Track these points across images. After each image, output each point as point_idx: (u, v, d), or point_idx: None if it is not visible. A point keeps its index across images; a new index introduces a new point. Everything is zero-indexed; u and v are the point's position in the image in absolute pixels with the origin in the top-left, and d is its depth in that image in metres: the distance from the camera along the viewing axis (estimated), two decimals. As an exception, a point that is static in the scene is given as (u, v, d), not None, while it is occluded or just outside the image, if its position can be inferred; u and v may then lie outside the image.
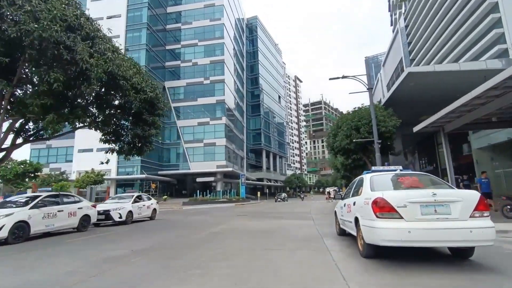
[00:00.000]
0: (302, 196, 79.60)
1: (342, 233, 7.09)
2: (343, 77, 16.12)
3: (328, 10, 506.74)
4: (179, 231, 9.99)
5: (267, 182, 68.95)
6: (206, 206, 33.70)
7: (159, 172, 44.81)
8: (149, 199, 15.33)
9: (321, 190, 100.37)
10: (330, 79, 16.19)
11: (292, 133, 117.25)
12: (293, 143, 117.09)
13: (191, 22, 51.26)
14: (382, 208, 4.33)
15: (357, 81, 15.85)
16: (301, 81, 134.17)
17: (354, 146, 17.04)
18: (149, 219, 14.99)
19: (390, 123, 16.32)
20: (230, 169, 44.40)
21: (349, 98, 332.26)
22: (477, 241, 4.11)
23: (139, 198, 14.42)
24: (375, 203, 4.42)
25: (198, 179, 45.17)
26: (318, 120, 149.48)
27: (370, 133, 16.30)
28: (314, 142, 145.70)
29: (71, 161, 42.08)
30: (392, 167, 6.43)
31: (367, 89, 16.08)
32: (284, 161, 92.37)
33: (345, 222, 6.35)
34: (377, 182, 5.17)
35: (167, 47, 50.92)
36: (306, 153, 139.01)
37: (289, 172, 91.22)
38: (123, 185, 41.10)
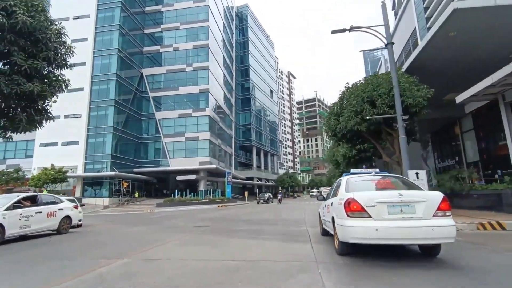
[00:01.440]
0: (295, 196, 75.32)
1: (325, 233, 7.05)
2: (351, 29, 11.51)
3: (324, 6, 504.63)
4: None
5: (257, 181, 64.25)
6: (183, 208, 28.86)
7: (135, 170, 39.70)
8: (56, 202, 10.34)
9: (318, 190, 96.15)
10: (333, 31, 11.55)
11: (285, 130, 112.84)
12: (286, 141, 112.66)
13: (173, 3, 46.23)
14: (353, 208, 4.52)
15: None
16: (294, 77, 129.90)
17: (367, 127, 12.37)
18: (54, 233, 10.06)
19: (419, 92, 11.70)
20: (214, 166, 39.55)
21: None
22: (439, 239, 4.32)
23: (30, 201, 9.36)
24: (346, 203, 4.62)
25: (178, 177, 40.20)
26: (311, 118, 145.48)
27: (391, 107, 11.69)
28: (307, 140, 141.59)
29: (31, 156, 36.69)
30: (369, 170, 6.54)
31: (386, 45, 11.48)
32: (277, 160, 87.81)
33: (326, 222, 6.38)
34: (352, 184, 5.41)
35: (146, 31, 45.81)
36: (300, 152, 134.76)
37: (281, 171, 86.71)
38: (91, 183, 35.90)
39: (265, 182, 69.00)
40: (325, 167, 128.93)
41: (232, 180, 50.67)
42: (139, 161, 41.41)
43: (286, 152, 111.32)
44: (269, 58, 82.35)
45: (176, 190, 35.61)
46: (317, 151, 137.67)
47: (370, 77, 13.36)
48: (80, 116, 35.82)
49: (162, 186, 46.73)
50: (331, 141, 38.05)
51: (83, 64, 37.19)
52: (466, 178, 14.38)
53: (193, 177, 39.19)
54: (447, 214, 4.40)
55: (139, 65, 43.61)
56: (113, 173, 33.67)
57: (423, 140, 21.34)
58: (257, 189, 64.08)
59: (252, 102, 65.35)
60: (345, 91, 14.13)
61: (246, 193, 40.74)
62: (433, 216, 4.35)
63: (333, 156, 25.96)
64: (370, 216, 4.43)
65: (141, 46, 44.76)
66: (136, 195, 34.40)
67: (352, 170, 6.62)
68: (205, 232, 8.85)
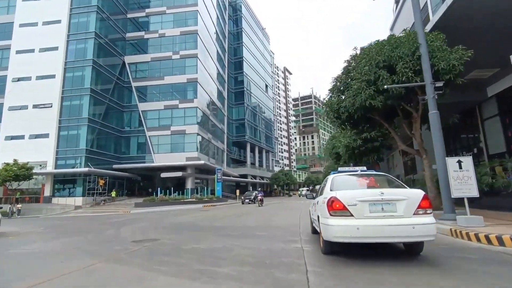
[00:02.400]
0: (291, 194, 72.09)
1: (315, 231, 6.64)
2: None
3: (322, 2, 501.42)
4: None
5: (251, 179, 60.92)
6: (164, 208, 25.45)
7: (115, 166, 36.11)
8: None
9: (310, 188, 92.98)
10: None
11: (280, 127, 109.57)
12: (281, 138, 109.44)
13: (159, -14, 42.54)
14: (335, 207, 4.48)
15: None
16: (290, 73, 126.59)
17: (383, 101, 9.03)
18: None
19: (453, 55, 8.44)
20: (203, 162, 36.10)
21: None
22: (419, 237, 4.30)
23: None
24: (329, 202, 4.57)
25: (163, 174, 36.69)
26: (308, 115, 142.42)
27: (417, 73, 8.47)
28: (303, 138, 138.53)
29: (-3, 151, 32.86)
30: (356, 168, 6.49)
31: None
32: (272, 157, 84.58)
33: (314, 221, 6.22)
34: (337, 183, 5.37)
35: (129, 15, 42.08)
36: (296, 150, 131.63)
37: (277, 169, 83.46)
38: (63, 181, 32.23)
39: (260, 180, 65.71)
40: (321, 165, 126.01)
41: (224, 177, 47.33)
42: (120, 156, 37.79)
43: (281, 149, 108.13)
44: (264, 52, 78.91)
45: (160, 189, 32.15)
46: (313, 148, 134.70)
47: (390, 38, 9.98)
48: (51, 106, 32.08)
49: (148, 185, 43.14)
50: (329, 134, 34.45)
51: (55, 48, 33.48)
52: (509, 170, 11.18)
53: (179, 174, 35.72)
54: (428, 212, 4.40)
55: (121, 52, 39.92)
56: (86, 169, 30.03)
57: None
58: (250, 187, 60.73)
59: (246, 96, 61.93)
60: (352, 58, 10.76)
61: (238, 191, 37.43)
62: (414, 214, 4.35)
63: (333, 148, 22.56)
64: (352, 215, 4.42)
65: (124, 32, 41.04)
66: (113, 194, 30.86)
67: (339, 169, 6.67)
68: (131, 257, 5.36)
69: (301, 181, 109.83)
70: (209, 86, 44.05)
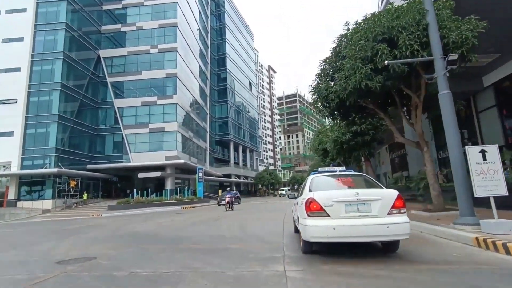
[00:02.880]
0: (276, 194, 71.19)
1: (297, 231, 6.40)
2: None
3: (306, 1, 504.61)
4: None
5: (235, 178, 59.58)
6: (139, 211, 23.77)
7: (89, 167, 33.90)
8: None
9: (295, 187, 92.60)
10: None
11: (265, 126, 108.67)
12: (266, 137, 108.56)
13: (136, -23, 40.44)
14: (312, 208, 4.54)
15: None
16: (275, 72, 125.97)
17: (382, 82, 7.92)
18: None
19: (464, 25, 7.49)
20: (183, 161, 34.48)
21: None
22: (393, 236, 4.39)
23: None
24: (307, 203, 4.63)
25: (141, 175, 34.80)
26: (292, 114, 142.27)
27: (424, 46, 7.52)
28: (288, 137, 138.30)
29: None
30: (335, 168, 6.39)
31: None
32: (256, 156, 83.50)
33: (296, 221, 6.33)
34: (316, 183, 5.44)
35: (105, 7, 39.77)
36: (280, 149, 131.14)
37: (261, 168, 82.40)
38: (30, 183, 29.82)
39: (244, 179, 64.48)
40: (306, 164, 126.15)
41: (206, 177, 45.79)
42: (94, 156, 35.58)
43: (266, 148, 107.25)
44: (248, 48, 77.61)
45: (136, 190, 30.32)
46: (298, 147, 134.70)
47: (385, 10, 8.88)
48: (16, 102, 29.60)
49: (126, 186, 40.97)
50: (315, 132, 33.21)
51: (20, 39, 30.96)
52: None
53: (157, 174, 33.96)
54: (402, 211, 4.46)
55: (96, 46, 37.63)
56: (56, 169, 27.83)
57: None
58: (234, 187, 59.37)
59: (229, 93, 60.48)
60: (343, 36, 9.61)
61: (220, 191, 36.02)
62: (388, 213, 4.41)
63: (319, 144, 21.52)
64: (328, 215, 4.48)
65: (99, 25, 38.73)
66: (85, 196, 28.76)
67: (319, 169, 6.59)
68: None
69: (286, 180, 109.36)
70: (190, 82, 42.37)
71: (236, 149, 64.40)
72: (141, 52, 37.91)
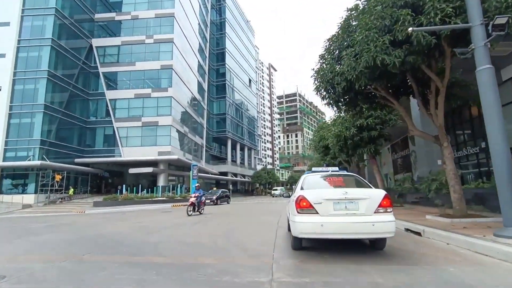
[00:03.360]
0: (272, 194, 69.61)
1: (289, 228, 6.15)
2: None
3: None
4: None
5: (232, 176, 57.99)
6: (126, 208, 22.22)
7: (77, 160, 32.29)
8: None
9: (293, 187, 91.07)
10: None
11: (264, 125, 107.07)
12: (265, 135, 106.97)
13: (133, -36, 38.76)
14: (302, 205, 4.67)
15: None
16: (275, 70, 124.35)
17: (402, 58, 6.25)
18: None
19: None
20: (176, 157, 32.87)
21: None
22: (379, 233, 4.48)
23: None
24: (297, 200, 4.77)
25: (131, 170, 33.21)
26: (292, 113, 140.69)
27: (457, 12, 5.91)
28: (287, 136, 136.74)
29: None
30: (328, 168, 6.67)
31: None
32: (255, 155, 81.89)
33: (288, 219, 6.38)
34: (308, 182, 5.60)
35: (99, -5, 38.12)
36: (279, 148, 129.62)
37: (259, 168, 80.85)
38: (13, 176, 28.21)
39: (241, 178, 62.92)
40: (305, 164, 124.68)
41: (202, 174, 44.29)
42: (83, 149, 33.95)
43: (265, 147, 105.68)
44: (248, 45, 75.96)
45: (125, 186, 28.79)
46: (297, 147, 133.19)
47: None
48: (0, 89, 27.94)
49: (118, 181, 39.37)
50: (316, 128, 30.89)
51: (6, 24, 29.32)
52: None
53: (149, 170, 32.39)
54: (388, 210, 4.54)
55: (88, 35, 35.94)
56: (39, 162, 26.22)
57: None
58: (230, 185, 57.83)
59: (228, 89, 58.88)
60: (354, 7, 8.00)
61: (215, 189, 34.44)
62: (375, 212, 4.48)
63: (320, 141, 19.88)
64: (317, 213, 4.58)
65: (92, 13, 37.04)
66: (70, 191, 27.14)
67: (313, 169, 6.87)
68: None
69: (284, 180, 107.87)
70: (187, 76, 40.76)
71: (233, 147, 62.83)
72: (135, 42, 36.27)
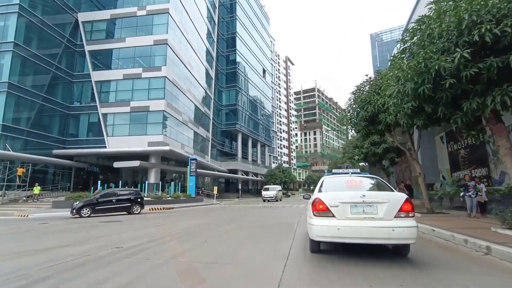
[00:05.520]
0: (289, 194, 63.08)
1: None
2: None
3: None
4: None
5: (242, 175, 52.05)
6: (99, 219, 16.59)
7: (56, 152, 27.40)
8: None
9: (311, 188, 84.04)
10: None
11: (280, 121, 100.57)
12: (281, 132, 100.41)
13: None
14: (319, 208, 4.61)
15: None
16: (292, 64, 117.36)
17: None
18: None
19: None
20: (167, 148, 27.19)
21: (345, 86, 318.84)
22: (398, 239, 4.28)
23: None
24: (313, 203, 4.73)
25: (117, 164, 27.94)
26: (310, 110, 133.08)
27: None
28: (305, 134, 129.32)
29: None
30: (349, 170, 6.38)
31: None
32: (269, 152, 75.68)
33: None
34: (326, 184, 5.49)
35: (87, -37, 33.22)
36: (296, 146, 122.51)
37: (274, 167, 74.44)
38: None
39: (253, 176, 56.85)
40: (324, 163, 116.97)
41: (206, 171, 38.70)
42: (65, 139, 29.06)
43: (281, 145, 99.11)
44: (262, 32, 69.82)
45: (100, 183, 23.43)
46: (315, 145, 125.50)
47: None
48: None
49: (113, 178, 34.26)
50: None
51: (-33, -14, 24.71)
52: None
53: (135, 163, 26.96)
54: (410, 215, 4.35)
55: (74, 8, 31.04)
56: (-4, 151, 21.26)
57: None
58: (240, 185, 51.96)
59: (239, 78, 53.03)
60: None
61: (216, 189, 28.51)
62: (395, 217, 4.32)
63: (364, 105, 13.81)
64: (333, 216, 4.49)
65: (79, -17, 32.19)
66: (36, 190, 22.01)
67: (333, 170, 6.52)
68: None
69: (301, 180, 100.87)
70: (188, 56, 35.18)
71: (245, 142, 56.92)
72: (126, 15, 31.01)
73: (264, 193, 33.98)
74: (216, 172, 43.35)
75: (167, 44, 29.53)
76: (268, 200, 32.36)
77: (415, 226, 4.25)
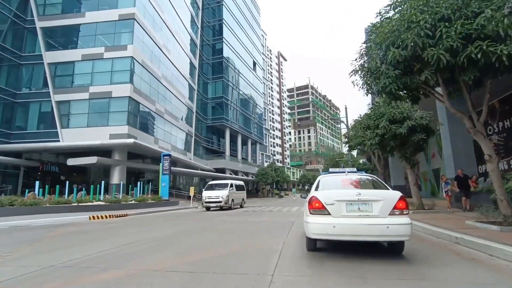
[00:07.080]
0: (282, 195, 58.74)
1: None
2: None
3: None
4: None
5: (231, 174, 47.43)
6: (10, 222, 11.81)
7: (1, 146, 22.55)
8: None
9: (306, 187, 79.77)
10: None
11: (273, 118, 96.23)
12: (274, 130, 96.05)
13: None
14: (315, 206, 4.62)
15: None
16: (285, 59, 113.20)
17: None
18: None
19: None
20: (131, 140, 22.51)
21: (338, 84, 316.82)
22: (393, 236, 4.32)
23: None
24: (310, 201, 4.74)
25: (70, 161, 23.16)
26: (304, 107, 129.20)
27: None
28: (299, 132, 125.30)
29: None
30: (345, 169, 6.52)
31: None
32: (261, 151, 71.26)
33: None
34: (323, 183, 5.51)
35: None
36: (290, 145, 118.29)
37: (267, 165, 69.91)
38: None
39: (243, 175, 52.25)
40: (318, 162, 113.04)
41: (187, 170, 34.13)
42: (11, 133, 24.19)
43: (273, 143, 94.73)
44: (252, 22, 65.43)
45: (39, 183, 18.64)
46: (309, 144, 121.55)
47: None
48: None
49: (79, 179, 29.35)
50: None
51: None
52: None
53: (92, 160, 22.16)
54: (404, 212, 4.39)
55: (25, -22, 26.22)
56: None
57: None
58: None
59: (226, 68, 48.50)
60: None
61: (192, 189, 23.86)
62: (389, 214, 4.35)
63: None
64: (329, 213, 4.51)
65: (32, -50, 27.32)
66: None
67: (330, 169, 6.66)
68: None
69: (295, 179, 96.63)
70: (164, 39, 30.52)
71: (234, 139, 52.37)
72: (86, -15, 26.31)
73: (205, 194, 19.13)
74: (200, 171, 38.73)
75: (134, 19, 24.86)
76: (213, 207, 18.45)
77: (409, 223, 4.27)
